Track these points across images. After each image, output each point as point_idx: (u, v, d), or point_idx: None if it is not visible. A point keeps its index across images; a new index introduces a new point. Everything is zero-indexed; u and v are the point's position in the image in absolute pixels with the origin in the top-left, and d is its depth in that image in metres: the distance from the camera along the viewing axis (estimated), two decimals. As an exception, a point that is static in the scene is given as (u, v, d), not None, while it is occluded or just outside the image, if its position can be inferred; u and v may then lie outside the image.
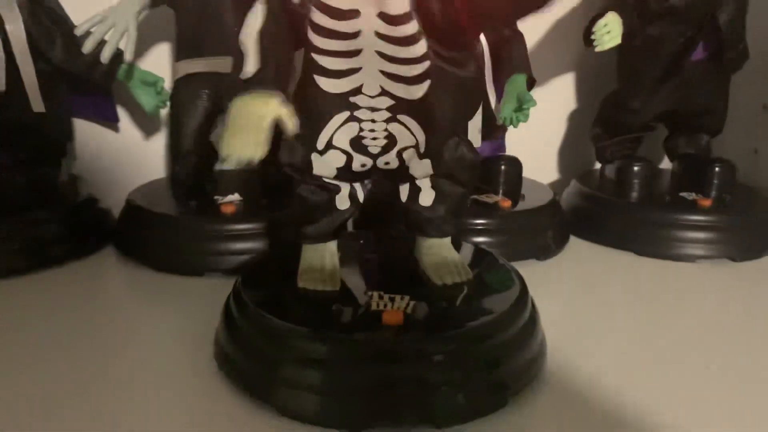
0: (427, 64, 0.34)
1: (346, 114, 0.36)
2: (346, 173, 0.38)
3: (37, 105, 0.52)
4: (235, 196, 0.56)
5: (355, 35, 0.33)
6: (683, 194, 0.59)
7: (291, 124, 0.32)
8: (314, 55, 0.34)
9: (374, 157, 0.37)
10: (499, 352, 0.35)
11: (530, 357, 0.36)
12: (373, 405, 0.32)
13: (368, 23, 0.33)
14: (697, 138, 0.64)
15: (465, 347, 0.34)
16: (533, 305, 0.39)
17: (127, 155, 0.65)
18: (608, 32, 0.54)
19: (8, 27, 0.51)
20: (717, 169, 0.60)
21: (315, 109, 0.36)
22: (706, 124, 0.63)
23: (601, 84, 0.66)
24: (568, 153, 0.74)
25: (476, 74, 0.37)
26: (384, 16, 0.32)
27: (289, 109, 0.32)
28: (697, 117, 0.62)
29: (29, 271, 0.51)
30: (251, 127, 0.31)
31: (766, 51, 0.62)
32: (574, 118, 0.73)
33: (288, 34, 0.34)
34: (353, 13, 0.32)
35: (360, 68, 0.34)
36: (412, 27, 0.33)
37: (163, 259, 0.52)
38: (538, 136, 0.69)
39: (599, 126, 0.65)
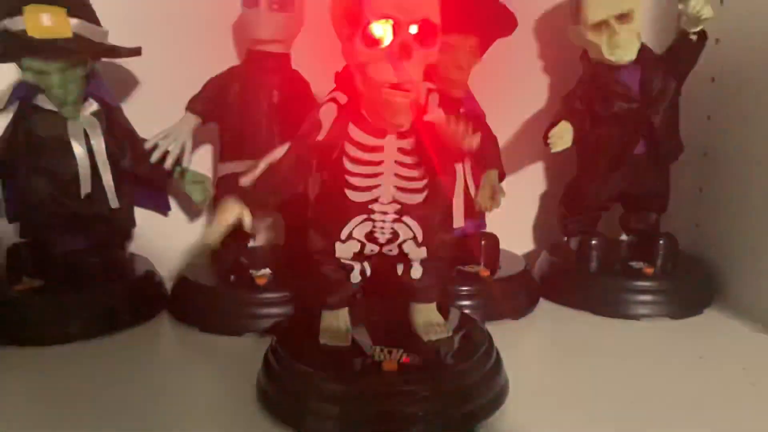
0: (425, 181, 0.48)
1: (364, 216, 0.48)
2: (359, 256, 0.51)
3: (114, 202, 0.65)
4: (267, 270, 0.67)
5: (379, 163, 0.46)
6: (632, 263, 0.71)
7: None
8: (347, 177, 0.47)
9: (381, 246, 0.50)
10: (469, 390, 0.46)
11: (494, 394, 0.48)
12: (376, 428, 0.44)
13: (390, 154, 0.46)
14: (646, 215, 0.74)
15: (443, 386, 0.45)
16: (498, 355, 0.50)
17: (177, 236, 0.77)
18: (561, 137, 0.67)
19: (93, 142, 0.63)
20: (661, 241, 0.71)
21: (342, 211, 0.49)
22: (652, 204, 0.74)
23: (565, 171, 0.78)
24: (540, 228, 0.85)
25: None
26: (402, 150, 0.46)
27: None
28: (644, 199, 0.73)
29: (102, 335, 0.61)
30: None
31: (697, 146, 0.75)
32: (543, 199, 0.85)
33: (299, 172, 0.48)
34: (378, 149, 0.46)
35: (380, 185, 0.47)
36: (418, 157, 0.46)
37: (209, 322, 0.63)
38: (515, 214, 0.79)
39: (563, 206, 0.77)
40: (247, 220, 0.47)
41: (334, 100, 0.46)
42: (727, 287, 0.71)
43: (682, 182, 0.77)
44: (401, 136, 0.46)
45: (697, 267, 0.73)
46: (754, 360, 0.57)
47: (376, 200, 0.48)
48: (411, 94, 0.43)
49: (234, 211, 0.47)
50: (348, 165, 0.46)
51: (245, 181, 0.49)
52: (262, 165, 0.49)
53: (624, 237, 0.78)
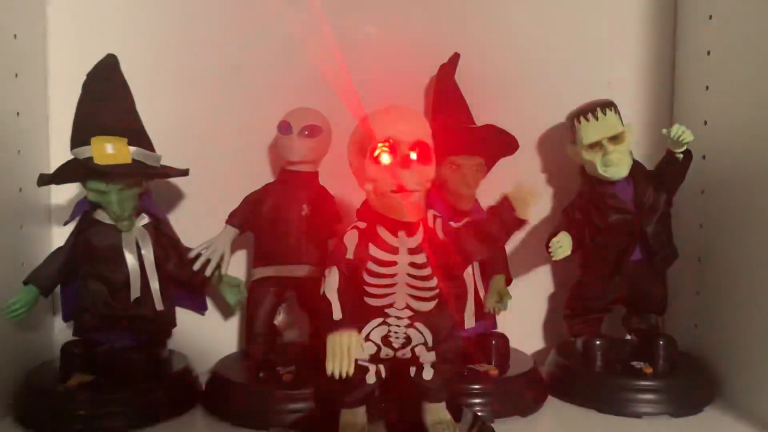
0: (437, 290, 0.54)
1: (380, 320, 0.55)
2: (375, 359, 0.57)
3: (159, 305, 0.72)
4: (292, 368, 0.72)
5: (393, 275, 0.53)
6: (633, 363, 0.75)
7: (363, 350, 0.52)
8: (365, 287, 0.54)
9: (395, 350, 0.56)
10: (475, 481, 0.52)
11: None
12: None
13: (403, 268, 0.53)
14: (647, 316, 0.79)
15: (450, 479, 0.51)
16: (502, 449, 0.56)
17: (211, 334, 0.84)
18: (560, 247, 0.73)
19: (143, 251, 0.71)
20: (661, 342, 0.76)
21: (361, 314, 0.55)
22: (652, 307, 0.78)
23: (570, 275, 0.84)
24: (548, 328, 0.90)
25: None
26: (413, 264, 0.53)
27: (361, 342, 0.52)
28: (643, 301, 0.78)
29: (143, 426, 0.66)
30: (344, 354, 0.50)
31: (692, 252, 0.80)
32: (551, 301, 0.90)
33: (351, 286, 0.54)
34: (392, 263, 0.53)
35: (394, 293, 0.54)
36: (429, 270, 0.54)
37: (239, 415, 0.67)
38: (524, 315, 0.86)
39: (569, 308, 0.81)
40: None
41: (355, 227, 0.54)
42: (726, 386, 0.74)
43: (680, 286, 0.82)
44: (412, 252, 0.53)
45: (697, 366, 0.77)
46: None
47: (391, 305, 0.55)
48: (412, 195, 0.51)
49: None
50: (367, 278, 0.54)
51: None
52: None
53: (627, 337, 0.83)
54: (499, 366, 0.75)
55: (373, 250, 0.53)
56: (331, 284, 0.53)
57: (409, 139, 0.52)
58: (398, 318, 0.55)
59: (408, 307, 0.55)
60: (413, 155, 0.52)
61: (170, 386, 0.72)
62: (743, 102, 0.73)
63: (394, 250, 0.53)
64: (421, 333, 0.56)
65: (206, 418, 0.71)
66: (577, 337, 0.80)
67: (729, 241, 0.76)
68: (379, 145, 0.52)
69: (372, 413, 0.58)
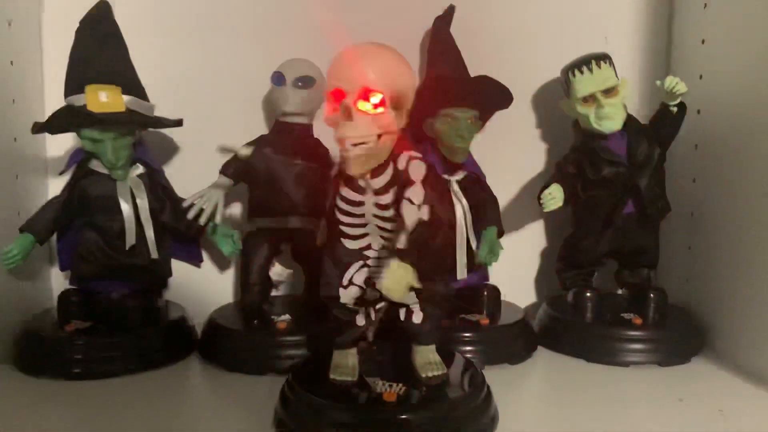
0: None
1: (361, 263, 0.56)
2: (360, 301, 0.58)
3: (154, 253, 0.73)
4: (287, 316, 0.74)
5: (362, 215, 0.54)
6: (623, 314, 0.76)
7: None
8: (340, 226, 0.55)
9: (380, 291, 0.57)
10: (460, 421, 0.52)
11: (483, 425, 0.54)
12: (376, 452, 0.50)
13: (369, 208, 0.54)
14: (639, 271, 0.80)
15: (436, 416, 0.52)
16: (488, 391, 0.56)
17: (207, 285, 0.85)
18: (552, 198, 0.74)
19: (138, 200, 0.72)
20: (651, 295, 0.77)
21: (341, 259, 0.56)
22: (643, 260, 0.79)
23: (563, 229, 0.84)
24: (540, 282, 0.91)
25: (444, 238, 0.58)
26: (378, 205, 0.53)
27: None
28: (635, 255, 0.79)
29: (138, 372, 0.67)
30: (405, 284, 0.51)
31: (685, 207, 0.81)
32: (543, 255, 0.90)
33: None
34: (360, 203, 0.54)
35: (368, 234, 0.55)
36: (393, 210, 0.54)
37: (235, 362, 0.69)
38: (517, 269, 0.87)
39: (561, 261, 0.82)
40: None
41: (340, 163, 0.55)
42: (714, 337, 0.75)
43: (673, 240, 0.83)
44: (377, 193, 0.53)
45: (686, 318, 0.78)
46: (731, 403, 0.62)
47: (369, 247, 0.55)
48: (355, 148, 0.50)
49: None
50: (340, 216, 0.54)
51: None
52: None
53: (619, 291, 0.84)
54: (490, 316, 0.76)
55: (344, 189, 0.54)
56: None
57: (355, 87, 0.50)
58: (378, 259, 0.55)
59: (383, 247, 0.55)
60: (362, 104, 0.50)
61: (167, 333, 0.73)
62: (739, 56, 0.73)
63: (361, 190, 0.53)
64: None
65: (202, 365, 0.72)
66: (568, 290, 0.81)
67: (722, 197, 0.76)
68: (328, 95, 0.52)
69: (364, 355, 0.59)
